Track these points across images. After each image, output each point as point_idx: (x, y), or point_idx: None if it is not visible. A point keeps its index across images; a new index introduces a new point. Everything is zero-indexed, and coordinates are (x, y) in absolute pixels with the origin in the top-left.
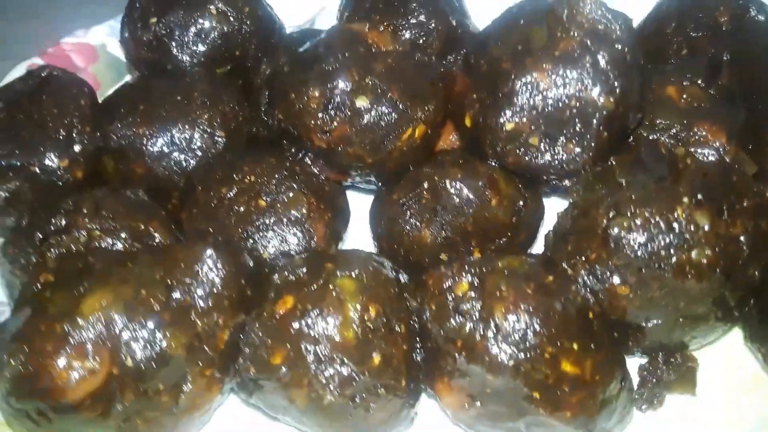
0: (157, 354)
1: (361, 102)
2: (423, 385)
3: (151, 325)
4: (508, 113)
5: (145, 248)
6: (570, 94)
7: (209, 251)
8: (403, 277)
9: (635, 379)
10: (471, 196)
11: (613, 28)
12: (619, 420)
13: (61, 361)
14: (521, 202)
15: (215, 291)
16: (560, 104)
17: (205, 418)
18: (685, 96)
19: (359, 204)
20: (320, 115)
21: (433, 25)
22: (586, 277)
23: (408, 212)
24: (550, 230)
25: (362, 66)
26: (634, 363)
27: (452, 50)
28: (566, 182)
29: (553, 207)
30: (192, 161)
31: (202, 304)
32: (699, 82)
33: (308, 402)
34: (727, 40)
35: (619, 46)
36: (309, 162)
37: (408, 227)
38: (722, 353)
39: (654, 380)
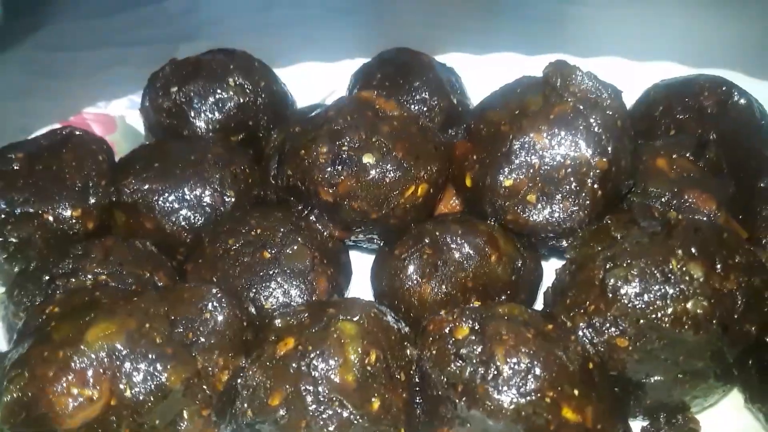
0: (156, 387)
1: (368, 159)
2: None
3: (152, 356)
4: (507, 171)
5: (150, 288)
6: (565, 154)
7: (214, 291)
8: (404, 328)
9: None
10: (471, 252)
11: (604, 96)
12: None
13: (61, 387)
14: (520, 262)
15: (218, 329)
16: (556, 163)
17: None
18: (675, 167)
19: (361, 263)
20: (328, 169)
21: (435, 101)
22: (585, 330)
23: (409, 267)
24: (548, 287)
25: (369, 126)
26: (636, 426)
27: (453, 125)
28: (563, 243)
29: (552, 269)
30: (201, 219)
31: (203, 341)
32: (688, 155)
33: None
34: (712, 121)
35: (610, 112)
36: (314, 219)
37: (409, 282)
38: (724, 415)
39: None
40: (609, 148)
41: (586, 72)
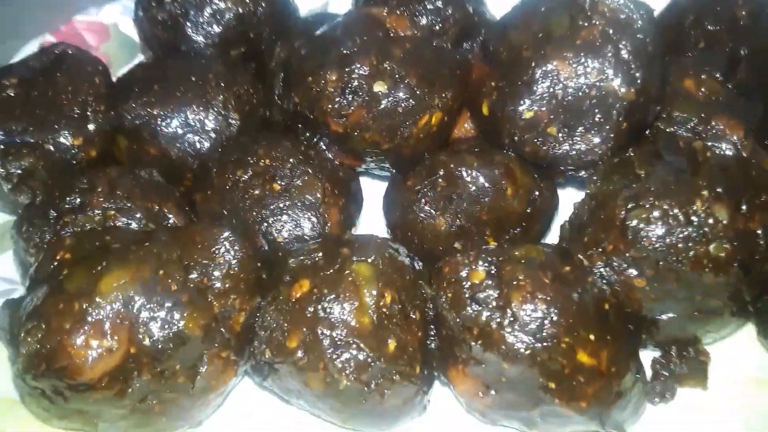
0: (174, 334)
1: (379, 87)
2: (437, 372)
3: (169, 304)
4: (527, 102)
5: (162, 228)
6: (590, 83)
7: (226, 233)
8: (418, 265)
9: (648, 372)
10: (486, 185)
11: (635, 17)
12: (633, 412)
13: (79, 340)
14: (537, 192)
15: (231, 273)
16: (580, 94)
17: (219, 400)
18: (703, 89)
19: (373, 190)
20: (337, 99)
21: (450, 11)
22: (602, 269)
23: (423, 200)
24: (566, 221)
25: (380, 51)
26: (647, 356)
27: (468, 37)
28: (583, 173)
29: (569, 198)
30: (206, 143)
31: (218, 285)
32: (717, 75)
33: (324, 386)
34: (744, 34)
35: (641, 36)
36: (324, 147)
37: (422, 215)
38: (735, 348)
39: (667, 374)
40: (638, 77)
41: None
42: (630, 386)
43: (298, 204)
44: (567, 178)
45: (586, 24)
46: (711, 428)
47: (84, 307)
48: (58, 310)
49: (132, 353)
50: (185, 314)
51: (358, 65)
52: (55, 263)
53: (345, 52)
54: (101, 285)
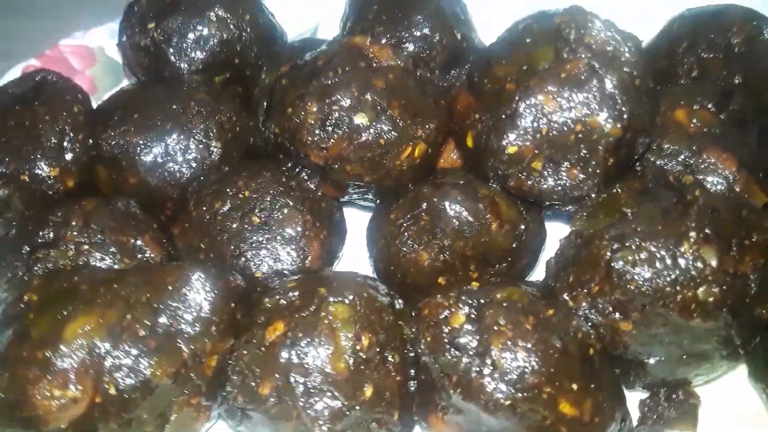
0: (141, 383)
1: (360, 119)
2: (416, 417)
3: (135, 352)
4: (511, 136)
5: (132, 268)
6: (575, 118)
7: (198, 274)
8: (399, 303)
9: (635, 414)
10: (471, 219)
11: (623, 50)
12: None
13: (43, 390)
14: (522, 227)
15: (203, 315)
16: (565, 128)
17: None
18: (694, 120)
19: (356, 221)
20: (317, 131)
21: (437, 38)
22: (587, 310)
23: (405, 234)
24: (551, 257)
25: (362, 81)
26: (634, 397)
27: (456, 65)
28: (569, 207)
29: (556, 231)
30: (187, 172)
31: (189, 329)
32: (709, 106)
33: None
34: (739, 62)
35: (628, 70)
36: (305, 177)
37: (405, 249)
38: (725, 390)
39: (655, 416)
40: (625, 113)
41: (604, 21)
42: None
43: (278, 237)
44: (554, 211)
45: (571, 57)
46: None
47: (48, 355)
48: (23, 358)
49: (98, 402)
50: (153, 361)
51: (339, 96)
52: (22, 306)
53: (326, 82)
54: (66, 332)
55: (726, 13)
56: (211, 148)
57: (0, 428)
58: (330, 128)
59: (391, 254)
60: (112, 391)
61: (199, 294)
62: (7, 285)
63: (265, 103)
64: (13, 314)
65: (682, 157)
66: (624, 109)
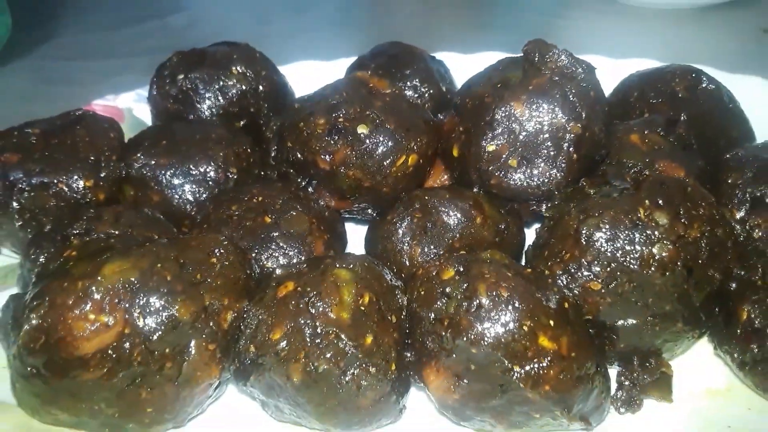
0: (166, 317)
1: (362, 129)
2: (412, 377)
3: (163, 290)
4: (490, 137)
5: (162, 236)
6: (542, 120)
7: (221, 238)
8: (395, 281)
9: (614, 386)
10: (458, 215)
11: (579, 70)
12: (596, 406)
13: (80, 313)
14: (503, 225)
15: (223, 272)
16: (534, 130)
17: (202, 398)
18: (647, 141)
19: (356, 234)
20: (325, 138)
21: (426, 88)
22: (561, 276)
23: (400, 230)
24: (529, 245)
25: (363, 101)
26: (613, 374)
27: (442, 111)
28: (543, 207)
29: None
30: (205, 193)
31: (210, 281)
32: (659, 131)
33: (304, 376)
34: (683, 104)
35: (584, 84)
36: (312, 190)
37: (399, 244)
38: (696, 368)
39: (630, 383)
40: (583, 115)
41: (562, 49)
42: (591, 374)
43: (286, 234)
44: (531, 214)
45: (536, 74)
46: None
47: (86, 285)
48: (63, 289)
49: (126, 333)
50: (178, 300)
51: (344, 110)
52: (61, 260)
53: (332, 101)
54: (104, 270)
55: (669, 69)
56: (228, 174)
57: (32, 354)
58: (336, 136)
59: (387, 249)
60: (140, 322)
61: (220, 255)
62: (43, 260)
63: (277, 138)
64: (53, 267)
65: (637, 168)
66: (582, 111)
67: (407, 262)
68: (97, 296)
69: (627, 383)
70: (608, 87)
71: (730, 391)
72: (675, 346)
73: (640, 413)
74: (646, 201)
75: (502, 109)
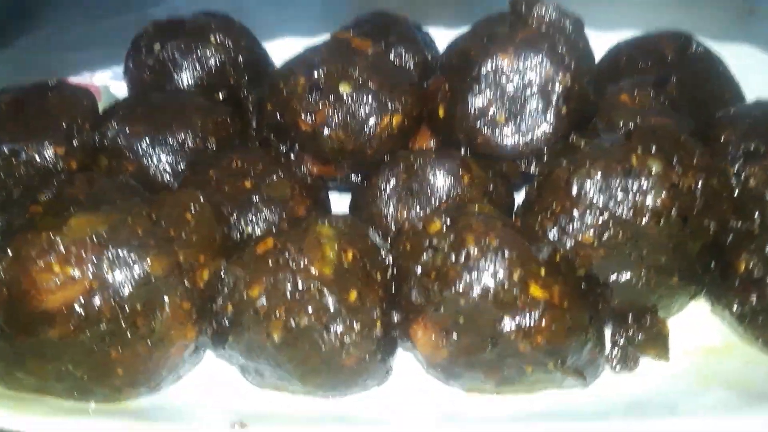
0: (137, 272)
1: (344, 88)
2: (399, 337)
3: (134, 244)
4: (476, 92)
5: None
6: (531, 73)
7: (197, 194)
8: (380, 240)
9: (609, 345)
10: (445, 175)
11: (567, 23)
12: (590, 360)
13: (44, 264)
14: (491, 185)
15: (198, 230)
16: (523, 83)
17: (177, 362)
18: (637, 100)
19: (340, 204)
20: (306, 97)
21: (410, 55)
22: (553, 229)
23: (385, 193)
24: (518, 205)
25: (346, 59)
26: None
27: (427, 78)
28: (532, 168)
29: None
30: (182, 163)
31: (184, 237)
32: (649, 91)
33: (284, 333)
34: (672, 67)
35: (572, 36)
36: (294, 157)
37: (385, 207)
38: (692, 327)
39: (624, 340)
40: (572, 66)
41: (549, 1)
42: (584, 325)
43: (267, 199)
44: (520, 176)
45: (523, 26)
46: (672, 398)
47: (51, 237)
48: (27, 240)
49: (94, 287)
50: (150, 254)
51: (325, 69)
52: (27, 216)
53: (313, 60)
54: (71, 221)
55: (657, 34)
56: (207, 143)
57: None
58: (317, 95)
59: (372, 214)
60: (109, 276)
61: (196, 212)
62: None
63: (255, 114)
64: (19, 223)
65: (629, 126)
66: (570, 63)
67: (393, 226)
68: (62, 248)
69: (622, 341)
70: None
71: (726, 348)
72: (671, 303)
73: (635, 372)
74: (639, 148)
75: (489, 62)
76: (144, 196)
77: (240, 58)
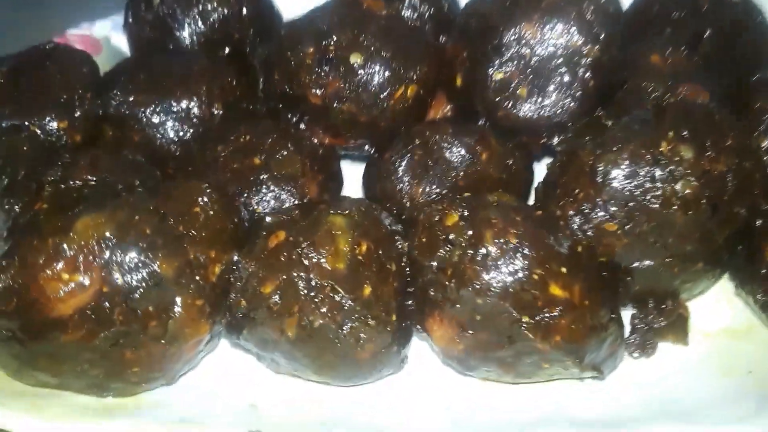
0: (148, 274)
1: (355, 58)
2: (414, 326)
3: (143, 245)
4: (497, 64)
5: (140, 185)
6: (556, 44)
7: (203, 186)
8: (395, 225)
9: (627, 329)
10: (462, 151)
11: None
12: (609, 354)
13: (52, 273)
14: (511, 160)
15: (207, 223)
16: (547, 54)
17: (192, 355)
18: (668, 62)
19: (353, 172)
20: (316, 69)
21: (425, 7)
22: (575, 217)
23: (400, 169)
24: (539, 182)
25: (357, 26)
26: (626, 316)
27: (444, 32)
28: (555, 139)
29: (544, 171)
30: (189, 131)
31: (194, 233)
32: (682, 50)
33: (299, 330)
34: (707, 17)
35: (602, 0)
36: (304, 127)
37: (400, 184)
38: (715, 304)
39: (645, 326)
40: (601, 36)
41: None
42: (605, 323)
43: (277, 176)
44: (542, 147)
45: None
46: (689, 381)
47: (58, 243)
48: (33, 247)
49: (105, 291)
50: (159, 255)
51: (335, 38)
52: (32, 213)
53: (322, 26)
54: (77, 224)
55: None
56: (213, 109)
57: (6, 316)
58: (326, 67)
59: (386, 190)
60: (119, 280)
61: (205, 204)
62: (13, 222)
63: (262, 75)
64: (24, 222)
65: (658, 92)
66: (600, 32)
67: (408, 203)
68: (69, 254)
69: (642, 326)
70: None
71: (750, 332)
72: (694, 286)
73: (654, 356)
74: (670, 133)
75: (512, 31)
76: (153, 174)
77: (244, 11)
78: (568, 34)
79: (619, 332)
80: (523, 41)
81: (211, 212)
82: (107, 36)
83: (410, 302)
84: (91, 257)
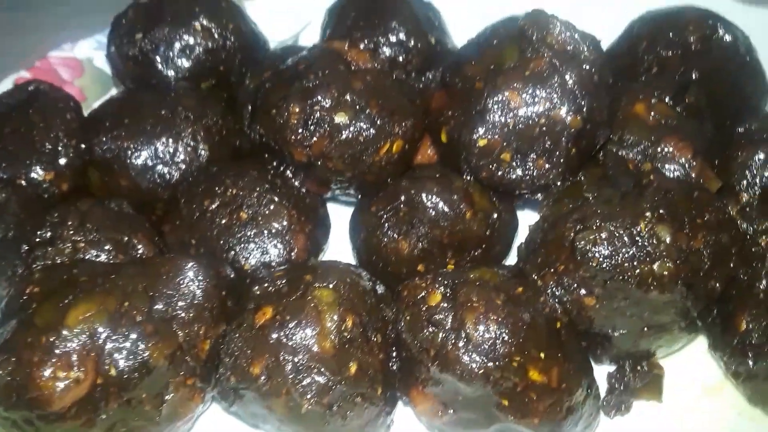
0: (139, 364)
1: (341, 118)
2: (399, 393)
3: (133, 336)
4: (481, 130)
5: (128, 261)
6: (539, 112)
7: (190, 263)
8: (380, 288)
9: (603, 387)
10: (446, 210)
11: (582, 49)
12: (585, 426)
13: (47, 372)
14: (495, 215)
15: (196, 302)
16: (530, 122)
17: (187, 426)
18: (653, 113)
19: (340, 216)
20: (300, 130)
21: (412, 43)
22: (554, 288)
23: (386, 225)
24: (522, 242)
25: (342, 83)
26: (602, 371)
27: (431, 67)
28: (538, 195)
29: (529, 219)
30: (176, 174)
31: (183, 315)
32: (667, 99)
33: (287, 411)
34: (696, 59)
35: (587, 67)
36: (290, 175)
37: (386, 239)
38: (688, 361)
39: (621, 387)
40: (584, 106)
41: (563, 22)
42: (581, 401)
43: (265, 232)
44: (524, 200)
45: (534, 56)
46: None
47: (51, 340)
48: (27, 344)
49: (99, 383)
50: (150, 344)
51: (320, 97)
52: (25, 297)
53: (307, 84)
54: (68, 318)
55: (683, 14)
56: (199, 151)
57: (8, 410)
58: (312, 127)
59: (372, 245)
60: (113, 372)
61: (191, 282)
62: (7, 282)
63: (249, 107)
64: (16, 306)
65: (641, 146)
66: (584, 102)
67: (393, 258)
68: (63, 350)
69: (618, 387)
70: (618, 24)
71: (721, 389)
72: (669, 348)
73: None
74: (648, 213)
75: (495, 98)
76: (140, 225)
77: (228, 43)
78: (551, 104)
79: (596, 405)
80: (506, 109)
81: (199, 292)
82: (90, 57)
83: (396, 370)
84: (84, 352)
